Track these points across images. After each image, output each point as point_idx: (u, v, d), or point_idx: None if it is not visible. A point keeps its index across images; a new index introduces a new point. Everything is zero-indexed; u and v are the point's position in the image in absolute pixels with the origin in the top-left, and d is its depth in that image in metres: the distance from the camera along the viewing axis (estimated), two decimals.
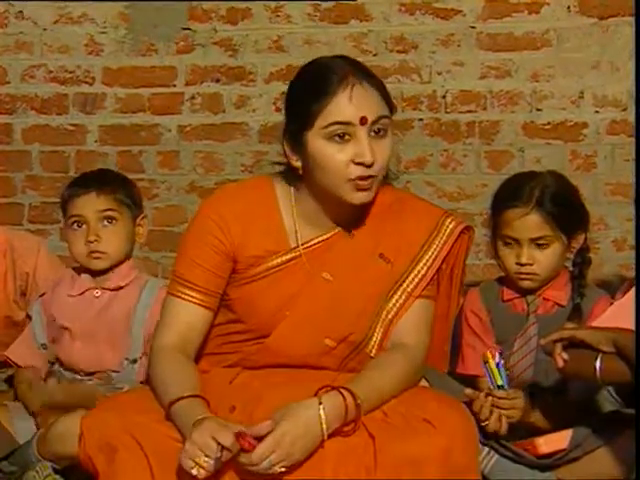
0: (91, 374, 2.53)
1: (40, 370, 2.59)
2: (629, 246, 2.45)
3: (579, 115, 3.22)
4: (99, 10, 3.46)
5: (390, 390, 2.00)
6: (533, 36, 3.23)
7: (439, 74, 3.28)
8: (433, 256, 2.14)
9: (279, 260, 2.11)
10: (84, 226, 2.54)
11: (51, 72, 3.51)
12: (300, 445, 1.85)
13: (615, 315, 2.13)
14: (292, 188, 2.14)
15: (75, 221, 2.55)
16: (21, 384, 2.59)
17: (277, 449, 1.83)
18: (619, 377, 1.96)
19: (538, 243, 2.40)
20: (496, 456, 2.30)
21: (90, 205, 2.53)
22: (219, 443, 1.81)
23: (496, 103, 3.26)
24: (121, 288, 2.57)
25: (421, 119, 3.30)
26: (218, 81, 3.42)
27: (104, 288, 2.57)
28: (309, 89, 2.04)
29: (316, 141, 2.01)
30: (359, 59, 3.25)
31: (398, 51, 3.31)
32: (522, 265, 2.41)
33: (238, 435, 1.81)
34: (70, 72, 3.50)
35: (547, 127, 3.24)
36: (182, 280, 2.13)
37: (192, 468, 1.82)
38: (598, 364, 1.96)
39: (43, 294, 2.64)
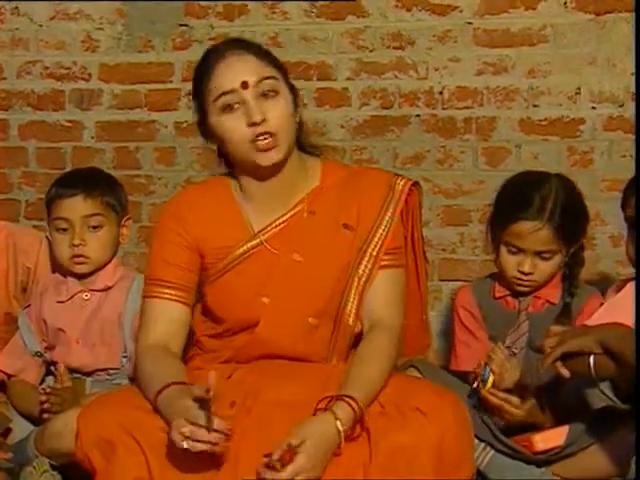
0: (89, 374, 2.53)
1: (35, 379, 2.59)
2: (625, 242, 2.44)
3: (576, 111, 3.21)
4: (95, 6, 3.45)
5: (381, 379, 2.03)
6: (530, 32, 3.22)
7: (436, 70, 3.28)
8: (392, 216, 2.19)
9: (244, 248, 2.16)
10: (69, 229, 2.53)
11: (47, 68, 3.50)
12: (323, 460, 1.88)
13: (608, 314, 2.13)
14: (236, 178, 2.22)
15: (60, 223, 2.54)
16: (18, 397, 2.57)
17: (306, 470, 1.85)
18: (612, 372, 1.97)
19: (543, 256, 2.40)
20: (492, 452, 2.31)
21: (77, 209, 2.52)
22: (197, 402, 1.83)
23: (493, 99, 3.25)
24: (109, 288, 2.57)
25: (418, 115, 3.30)
26: None
27: (92, 290, 2.56)
28: (200, 73, 2.17)
29: (214, 116, 2.12)
30: (356, 55, 3.32)
31: (395, 47, 3.30)
32: (524, 274, 2.41)
33: (287, 450, 1.83)
34: (66, 68, 3.49)
35: (544, 123, 3.24)
36: (155, 280, 2.18)
37: (182, 441, 1.83)
38: (592, 360, 1.97)
39: (27, 306, 2.63)
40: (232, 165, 2.22)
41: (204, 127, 2.18)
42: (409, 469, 1.90)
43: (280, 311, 2.13)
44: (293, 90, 2.18)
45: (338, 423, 1.89)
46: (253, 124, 2.07)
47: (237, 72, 2.09)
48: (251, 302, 2.13)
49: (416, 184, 2.24)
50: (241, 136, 2.09)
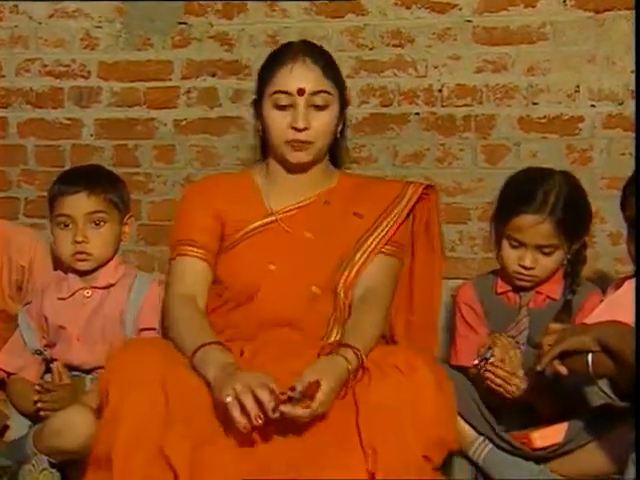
0: (89, 371, 2.53)
1: (35, 377, 2.58)
2: (625, 240, 2.44)
3: (575, 109, 3.21)
4: (94, 5, 3.45)
5: (372, 339, 2.16)
6: (529, 30, 3.22)
7: (435, 68, 3.28)
8: (400, 212, 2.35)
9: (258, 223, 2.34)
10: (71, 226, 2.52)
11: (46, 66, 3.50)
12: (333, 397, 2.01)
13: (607, 311, 2.13)
14: (264, 162, 2.42)
15: (63, 220, 2.54)
16: (18, 396, 2.57)
17: (323, 406, 1.98)
18: (610, 370, 1.97)
19: (544, 251, 2.41)
20: (490, 445, 2.32)
21: (80, 206, 2.51)
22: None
23: (492, 97, 3.25)
24: (111, 286, 2.57)
25: (417, 113, 3.30)
26: (214, 75, 3.42)
27: (94, 287, 2.56)
28: (267, 64, 2.39)
29: (266, 107, 2.34)
30: (355, 53, 3.32)
31: (394, 45, 3.30)
32: (525, 268, 2.41)
33: (310, 385, 1.95)
34: (65, 66, 3.49)
35: (543, 121, 3.24)
36: (183, 240, 2.33)
37: (228, 396, 1.93)
38: (590, 359, 1.97)
39: (28, 303, 2.63)
40: (267, 146, 2.40)
41: (257, 108, 2.39)
42: (389, 425, 1.98)
43: (285, 278, 2.26)
44: (344, 105, 2.39)
45: (348, 365, 2.04)
46: (295, 128, 2.28)
47: (299, 78, 2.29)
48: (258, 268, 2.27)
49: (430, 187, 2.42)
50: (281, 133, 2.31)
